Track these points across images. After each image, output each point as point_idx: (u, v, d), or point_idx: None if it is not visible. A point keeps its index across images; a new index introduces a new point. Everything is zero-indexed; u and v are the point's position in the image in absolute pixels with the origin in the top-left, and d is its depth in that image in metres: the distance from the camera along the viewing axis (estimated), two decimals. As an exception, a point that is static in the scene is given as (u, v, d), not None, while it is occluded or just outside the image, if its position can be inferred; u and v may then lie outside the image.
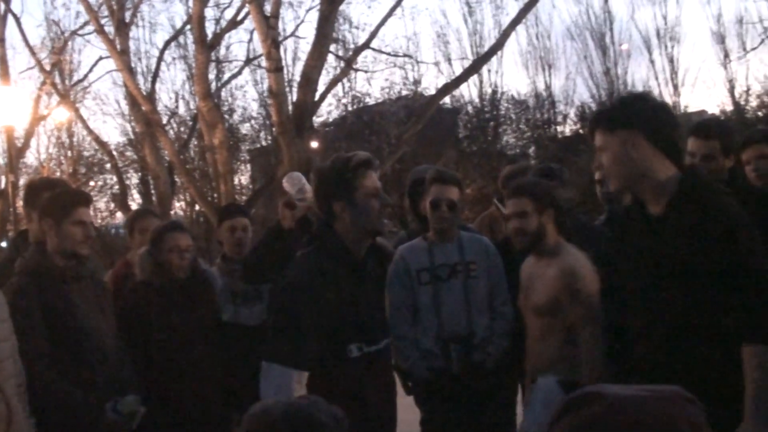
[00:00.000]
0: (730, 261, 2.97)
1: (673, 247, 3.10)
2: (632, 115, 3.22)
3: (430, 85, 25.55)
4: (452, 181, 4.92)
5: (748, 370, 2.94)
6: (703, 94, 43.07)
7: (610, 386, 1.36)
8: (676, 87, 26.24)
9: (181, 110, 25.71)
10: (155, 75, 23.17)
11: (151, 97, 20.94)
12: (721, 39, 25.79)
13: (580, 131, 25.44)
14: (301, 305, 3.43)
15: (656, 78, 26.53)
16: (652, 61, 26.79)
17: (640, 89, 25.87)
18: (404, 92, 24.79)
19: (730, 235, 2.98)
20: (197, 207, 23.27)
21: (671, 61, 26.47)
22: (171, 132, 23.23)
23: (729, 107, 23.74)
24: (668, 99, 26.17)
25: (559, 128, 26.64)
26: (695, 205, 3.08)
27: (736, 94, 24.13)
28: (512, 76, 52.29)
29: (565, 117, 26.76)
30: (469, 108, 26.14)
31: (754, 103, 23.16)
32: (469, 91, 26.22)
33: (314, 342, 3.43)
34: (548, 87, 26.96)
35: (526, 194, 4.36)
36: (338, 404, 2.96)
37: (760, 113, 21.15)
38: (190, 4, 18.95)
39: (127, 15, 20.28)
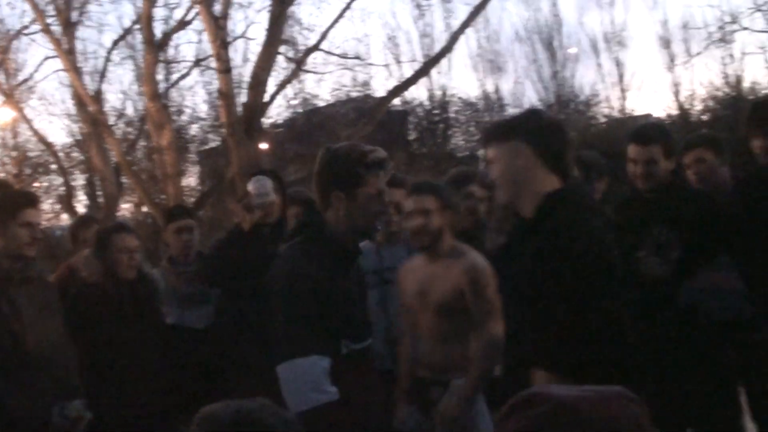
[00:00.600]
0: (548, 283, 3.01)
1: (519, 264, 3.21)
2: (520, 126, 3.26)
3: (380, 87, 25.63)
4: (399, 184, 4.93)
5: None
6: (649, 98, 43.58)
7: (555, 387, 1.37)
8: (623, 90, 26.55)
9: (129, 111, 25.42)
10: (102, 75, 22.87)
11: (98, 97, 20.66)
12: (666, 44, 26.13)
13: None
14: (308, 294, 3.17)
15: (603, 81, 26.83)
16: (599, 65, 27.07)
17: (588, 93, 26.22)
18: (354, 94, 24.76)
19: (558, 256, 3.00)
20: (144, 208, 23.02)
21: (618, 65, 26.78)
22: (118, 133, 22.95)
23: (674, 111, 24.07)
24: (615, 102, 26.48)
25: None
26: (546, 222, 3.12)
27: (681, 99, 24.49)
28: (462, 79, 52.44)
29: (514, 120, 26.85)
30: (419, 110, 26.19)
31: (698, 107, 23.50)
32: (419, 93, 26.32)
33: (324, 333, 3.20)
34: (497, 90, 27.13)
35: (430, 192, 4.40)
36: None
37: (704, 117, 21.43)
38: (139, 3, 18.75)
39: (74, 14, 20.03)
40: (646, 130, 4.52)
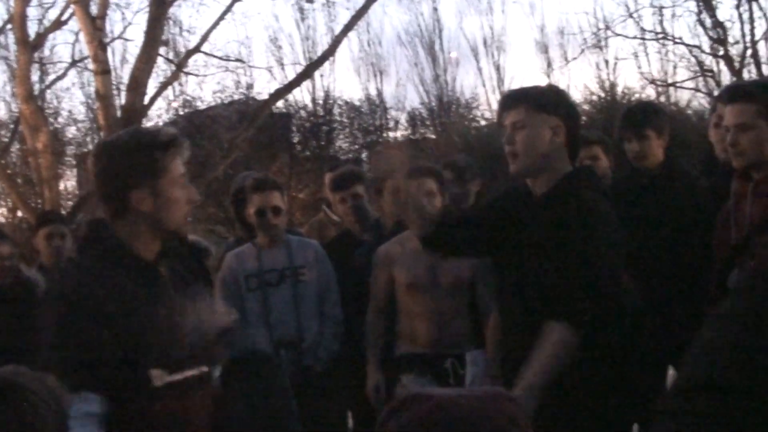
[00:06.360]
0: (574, 247, 3.13)
1: (543, 228, 3.25)
2: (563, 104, 3.35)
3: (263, 89, 25.46)
4: (273, 187, 4.91)
5: (546, 343, 3.07)
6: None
7: (435, 388, 1.40)
8: (502, 94, 26.86)
9: (2, 113, 24.63)
10: (-26, 76, 22.13)
11: (-31, 98, 19.98)
12: (544, 49, 26.70)
13: (411, 137, 25.82)
14: (85, 322, 2.56)
15: (484, 85, 27.22)
16: (479, 69, 27.43)
17: (469, 96, 26.57)
18: (236, 96, 24.51)
19: (584, 225, 3.14)
20: (20, 213, 22.33)
21: (498, 69, 27.19)
22: (-9, 135, 22.21)
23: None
24: (495, 105, 26.85)
25: (391, 134, 26.92)
26: (568, 195, 3.23)
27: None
28: (345, 82, 52.44)
29: (397, 123, 27.09)
30: (302, 113, 26.09)
31: (574, 110, 24.06)
32: (302, 95, 26.22)
33: (108, 365, 2.58)
34: (380, 93, 27.23)
35: (430, 175, 4.50)
36: None
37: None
38: (11, 2, 18.17)
39: (-57, 12, 19.32)
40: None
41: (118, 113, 16.12)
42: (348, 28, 19.35)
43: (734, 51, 22.37)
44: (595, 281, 3.09)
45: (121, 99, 17.05)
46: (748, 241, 3.23)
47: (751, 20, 22.43)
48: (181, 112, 24.37)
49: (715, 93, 18.92)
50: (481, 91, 27.29)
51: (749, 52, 22.42)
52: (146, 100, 17.13)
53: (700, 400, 1.30)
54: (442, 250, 3.72)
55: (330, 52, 20.24)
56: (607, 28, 23.85)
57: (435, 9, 27.63)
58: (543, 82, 25.52)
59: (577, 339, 3.06)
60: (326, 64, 23.21)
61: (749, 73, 21.83)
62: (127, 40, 21.44)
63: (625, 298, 3.37)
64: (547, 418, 2.83)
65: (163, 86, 19.24)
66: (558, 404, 3.11)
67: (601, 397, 3.20)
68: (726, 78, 21.76)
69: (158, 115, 23.98)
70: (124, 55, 23.70)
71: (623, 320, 3.28)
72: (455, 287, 4.43)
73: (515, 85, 26.38)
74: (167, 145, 2.71)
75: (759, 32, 22.48)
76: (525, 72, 34.78)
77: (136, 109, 16.25)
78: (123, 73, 20.07)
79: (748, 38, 22.47)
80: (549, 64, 26.29)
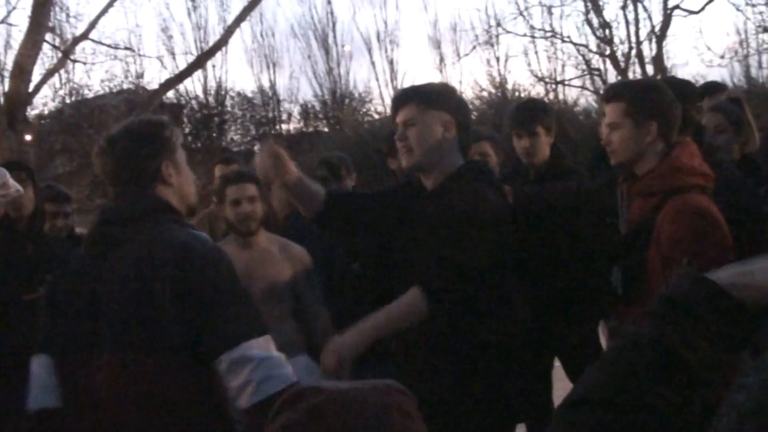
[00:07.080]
0: (448, 231, 3.17)
1: (431, 220, 3.27)
2: (452, 100, 3.41)
3: (153, 79, 24.98)
4: None
5: (398, 301, 3.18)
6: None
7: (326, 382, 1.40)
8: (395, 89, 27.10)
9: None
10: None
11: None
12: (437, 44, 27.05)
13: (304, 129, 25.80)
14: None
15: (377, 79, 27.42)
16: (372, 63, 27.59)
17: (362, 90, 26.71)
18: (126, 86, 24.06)
19: (462, 214, 3.17)
20: None
21: (391, 63, 27.38)
22: None
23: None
24: (388, 100, 27.09)
25: (284, 126, 26.86)
26: (458, 189, 3.26)
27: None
28: (237, 73, 51.98)
29: (290, 115, 27.03)
30: (194, 103, 25.78)
31: (466, 106, 24.39)
32: (193, 86, 25.90)
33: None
34: (273, 85, 27.10)
35: (252, 181, 4.39)
36: None
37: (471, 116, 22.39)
38: None
39: None
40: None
41: (1, 100, 15.67)
42: (241, 18, 19.23)
43: (620, 51, 23.08)
44: (456, 260, 3.15)
45: (4, 86, 16.61)
46: (628, 240, 3.32)
47: (636, 21, 23.23)
48: (68, 101, 23.82)
49: (601, 91, 19.46)
50: (374, 85, 27.65)
51: (634, 51, 23.15)
52: (31, 87, 16.70)
53: (581, 412, 1.32)
54: (334, 228, 3.74)
55: (222, 43, 20.08)
56: (499, 25, 24.37)
57: (328, 1, 27.69)
58: (435, 77, 25.93)
59: (427, 306, 3.11)
60: (218, 55, 23.05)
61: (634, 73, 22.55)
62: (11, 25, 20.82)
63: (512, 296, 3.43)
64: (430, 413, 2.85)
65: (49, 73, 18.79)
66: (439, 398, 3.15)
67: (483, 394, 3.25)
68: (612, 77, 22.46)
69: (44, 103, 23.43)
70: (8, 40, 23.04)
71: (507, 319, 3.33)
72: (271, 294, 4.26)
73: (408, 80, 26.77)
74: (171, 127, 2.89)
75: (643, 33, 23.24)
76: (418, 67, 35.15)
77: (21, 96, 15.83)
78: (7, 59, 19.48)
79: (633, 39, 23.21)
80: (441, 60, 26.64)
